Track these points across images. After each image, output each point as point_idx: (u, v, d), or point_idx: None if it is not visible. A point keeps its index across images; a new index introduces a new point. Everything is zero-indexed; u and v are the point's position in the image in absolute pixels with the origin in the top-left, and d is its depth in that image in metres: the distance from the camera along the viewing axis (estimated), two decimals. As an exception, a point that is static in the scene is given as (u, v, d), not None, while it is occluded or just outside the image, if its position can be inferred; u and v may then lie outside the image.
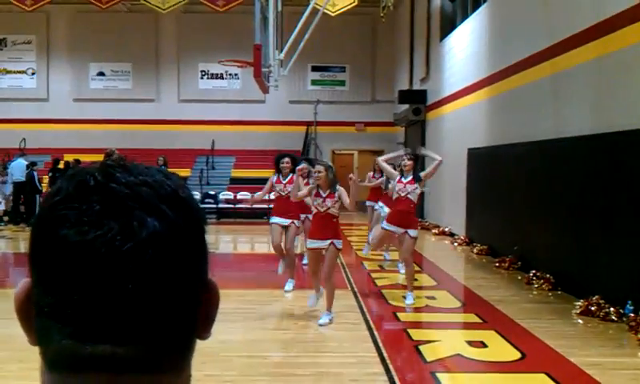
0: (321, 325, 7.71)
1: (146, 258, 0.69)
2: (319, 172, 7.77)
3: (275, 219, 9.81)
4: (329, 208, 7.79)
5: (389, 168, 9.56)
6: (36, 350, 0.74)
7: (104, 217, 0.69)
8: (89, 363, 0.69)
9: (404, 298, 9.04)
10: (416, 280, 10.12)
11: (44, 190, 18.82)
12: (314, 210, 7.90)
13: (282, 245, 9.81)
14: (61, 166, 19.28)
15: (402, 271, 10.42)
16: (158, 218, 0.71)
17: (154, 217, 0.71)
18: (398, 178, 9.13)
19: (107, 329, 0.69)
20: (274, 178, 9.88)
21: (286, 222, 9.73)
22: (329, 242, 7.77)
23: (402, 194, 8.99)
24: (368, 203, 14.03)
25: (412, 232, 9.00)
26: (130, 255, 0.68)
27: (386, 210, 10.39)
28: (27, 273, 0.75)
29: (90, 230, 0.69)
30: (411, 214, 9.10)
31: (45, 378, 0.73)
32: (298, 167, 8.73)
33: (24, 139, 23.64)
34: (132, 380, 0.70)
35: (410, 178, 9.04)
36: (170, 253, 0.71)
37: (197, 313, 0.76)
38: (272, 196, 10.42)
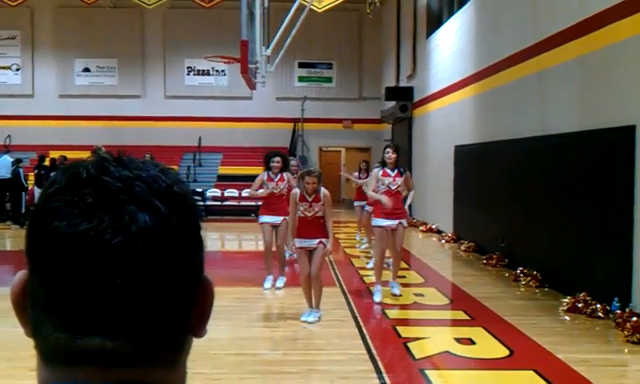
0: (309, 322, 7.71)
1: (135, 252, 0.69)
2: (313, 183, 7.74)
3: (265, 218, 9.80)
4: (316, 212, 7.79)
5: (372, 181, 9.52)
6: (23, 348, 0.74)
7: (95, 210, 0.69)
8: (80, 356, 0.69)
9: (392, 293, 9.09)
10: (403, 277, 10.16)
11: (30, 187, 18.69)
12: (301, 215, 7.85)
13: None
14: (47, 163, 19.14)
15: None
16: (149, 213, 0.71)
17: (146, 211, 0.71)
18: (383, 170, 9.11)
19: (97, 322, 0.69)
20: (265, 176, 9.85)
21: (278, 219, 9.72)
22: (317, 240, 7.77)
23: (393, 188, 9.01)
24: (356, 203, 14.04)
25: (404, 222, 9.20)
26: (119, 249, 0.68)
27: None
28: (24, 265, 0.75)
29: (81, 223, 0.69)
30: (401, 205, 9.19)
31: (40, 370, 0.74)
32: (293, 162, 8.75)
33: (9, 136, 23.50)
34: (122, 373, 0.70)
35: (395, 171, 9.08)
36: (162, 248, 0.71)
37: (190, 309, 0.76)
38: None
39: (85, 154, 16.03)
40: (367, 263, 11.94)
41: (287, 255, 11.02)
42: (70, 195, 0.71)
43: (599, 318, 7.86)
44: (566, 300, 8.41)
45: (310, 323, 7.70)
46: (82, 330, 0.69)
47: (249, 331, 7.49)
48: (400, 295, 9.14)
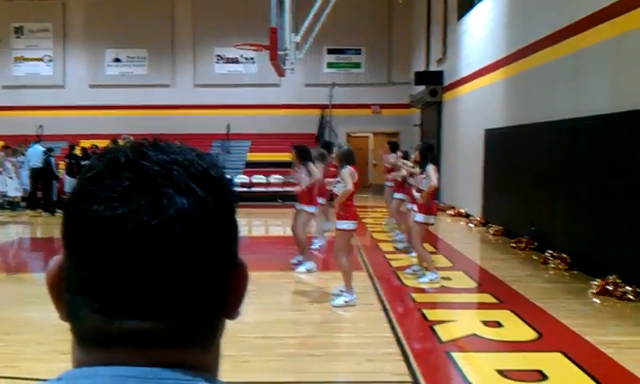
0: (335, 306, 7.75)
1: (172, 234, 0.70)
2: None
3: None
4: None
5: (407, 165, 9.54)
6: (53, 332, 0.74)
7: (133, 193, 0.70)
8: (116, 338, 0.70)
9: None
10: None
11: (61, 176, 18.95)
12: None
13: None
14: (77, 151, 19.38)
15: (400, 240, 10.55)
16: (187, 196, 0.71)
17: (183, 195, 0.71)
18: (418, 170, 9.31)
19: (134, 304, 0.70)
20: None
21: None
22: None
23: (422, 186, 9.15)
24: (387, 184, 13.77)
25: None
26: (157, 232, 0.69)
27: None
28: (54, 251, 0.76)
29: (119, 206, 0.70)
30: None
31: (75, 353, 0.75)
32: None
33: (41, 126, 23.86)
34: (159, 354, 0.71)
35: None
36: (198, 231, 0.71)
37: (225, 291, 0.76)
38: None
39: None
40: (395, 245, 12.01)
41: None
42: (108, 179, 0.72)
43: (629, 300, 7.76)
44: (596, 282, 8.31)
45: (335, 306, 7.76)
46: (119, 312, 0.70)
47: (276, 314, 7.52)
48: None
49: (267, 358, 6.05)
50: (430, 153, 9.41)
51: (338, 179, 7.97)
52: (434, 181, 8.96)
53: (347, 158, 7.92)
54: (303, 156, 9.94)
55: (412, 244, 9.69)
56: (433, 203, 9.40)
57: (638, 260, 8.07)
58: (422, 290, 8.71)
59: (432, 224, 9.47)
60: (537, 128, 11.87)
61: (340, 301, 7.79)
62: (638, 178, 8.18)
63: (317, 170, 9.88)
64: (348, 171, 7.78)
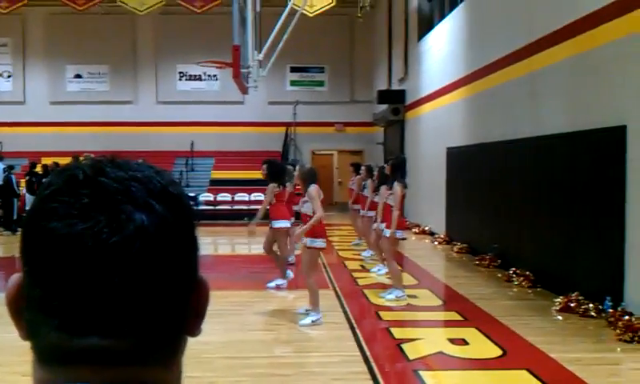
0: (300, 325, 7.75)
1: (132, 251, 0.69)
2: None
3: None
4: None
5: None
6: (15, 354, 0.73)
7: (92, 210, 0.70)
8: (76, 356, 0.69)
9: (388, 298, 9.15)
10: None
11: (21, 193, 18.62)
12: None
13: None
14: (38, 169, 19.08)
15: (383, 271, 10.55)
16: (146, 213, 0.71)
17: (142, 211, 0.71)
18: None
19: (94, 321, 0.69)
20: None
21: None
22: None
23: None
24: (355, 207, 13.93)
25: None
26: (116, 248, 0.69)
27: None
28: (15, 270, 0.75)
29: (78, 223, 0.69)
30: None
31: (36, 372, 0.74)
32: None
33: (0, 143, 23.40)
34: (119, 373, 0.70)
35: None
36: (158, 247, 0.71)
37: (186, 308, 0.76)
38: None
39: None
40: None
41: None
42: (66, 196, 0.71)
43: (592, 317, 7.88)
44: (559, 300, 8.44)
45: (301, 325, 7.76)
46: (79, 330, 0.69)
47: (241, 334, 7.47)
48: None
49: (234, 378, 6.01)
50: (400, 169, 9.45)
51: (305, 199, 7.98)
52: (397, 201, 9.04)
53: (311, 178, 7.98)
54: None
55: (385, 259, 9.70)
56: (402, 218, 9.46)
57: (599, 277, 8.23)
58: (389, 308, 8.73)
59: (403, 239, 9.50)
60: (497, 146, 12.05)
61: (307, 320, 7.78)
62: (597, 195, 8.35)
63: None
64: (315, 189, 7.81)
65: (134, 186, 0.72)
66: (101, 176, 0.72)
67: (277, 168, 10.29)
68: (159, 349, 0.73)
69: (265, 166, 10.41)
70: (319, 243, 7.84)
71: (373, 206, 11.77)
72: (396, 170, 9.38)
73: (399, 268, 9.61)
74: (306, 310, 8.00)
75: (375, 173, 11.87)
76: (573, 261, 8.94)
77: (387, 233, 9.21)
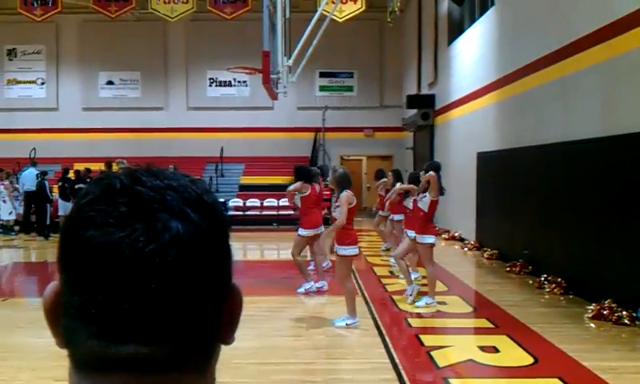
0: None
1: (168, 259, 0.70)
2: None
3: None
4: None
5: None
6: (48, 358, 0.74)
7: (129, 218, 0.71)
8: (114, 363, 0.70)
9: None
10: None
11: (54, 199, 18.89)
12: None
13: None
14: (71, 175, 19.33)
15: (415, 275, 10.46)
16: (181, 221, 0.72)
17: (178, 220, 0.72)
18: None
19: (131, 329, 0.70)
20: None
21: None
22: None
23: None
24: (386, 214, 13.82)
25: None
26: (153, 256, 0.70)
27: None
28: (48, 275, 0.76)
29: (115, 232, 0.70)
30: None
31: (72, 378, 0.75)
32: None
33: (34, 149, 23.78)
34: (156, 380, 0.72)
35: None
36: (194, 255, 0.72)
37: (220, 315, 0.77)
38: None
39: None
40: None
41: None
42: (103, 205, 0.72)
43: (625, 325, 7.76)
44: (591, 307, 8.32)
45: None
46: (116, 337, 0.70)
47: (272, 340, 7.49)
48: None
49: (264, 384, 6.02)
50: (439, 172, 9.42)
51: (337, 204, 8.00)
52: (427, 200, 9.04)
53: (344, 182, 7.95)
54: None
55: (424, 266, 9.61)
56: (431, 224, 9.37)
57: (632, 284, 8.10)
58: (419, 315, 8.70)
59: (433, 245, 9.39)
60: (529, 151, 11.93)
61: (342, 322, 7.81)
62: (631, 201, 8.22)
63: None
64: (345, 197, 7.80)
65: (170, 195, 0.73)
66: (137, 185, 0.74)
67: (303, 170, 10.45)
68: (195, 356, 0.74)
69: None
70: (350, 251, 7.84)
71: (399, 210, 11.77)
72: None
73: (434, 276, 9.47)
74: (347, 324, 7.96)
75: (406, 178, 11.82)
76: (605, 267, 8.81)
77: (425, 239, 9.13)
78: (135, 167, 0.78)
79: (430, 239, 9.17)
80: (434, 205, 9.17)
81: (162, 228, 0.71)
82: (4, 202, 19.27)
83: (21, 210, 19.34)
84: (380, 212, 14.47)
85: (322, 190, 11.18)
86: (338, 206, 7.95)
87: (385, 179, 14.13)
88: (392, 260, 12.61)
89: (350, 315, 7.87)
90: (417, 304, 9.02)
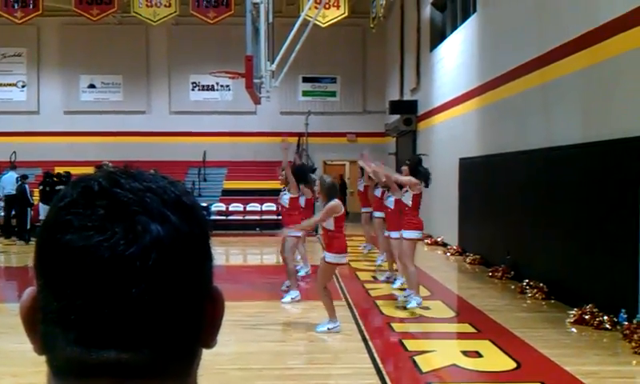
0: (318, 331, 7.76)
1: (149, 262, 0.69)
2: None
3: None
4: None
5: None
6: (29, 364, 0.73)
7: (108, 222, 0.69)
8: (94, 369, 0.69)
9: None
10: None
11: (35, 202, 18.73)
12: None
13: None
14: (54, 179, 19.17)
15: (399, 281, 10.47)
16: (161, 224, 0.71)
17: (158, 222, 0.71)
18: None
19: (112, 334, 0.69)
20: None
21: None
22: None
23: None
24: (363, 210, 13.97)
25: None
26: (133, 260, 0.68)
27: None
28: (29, 280, 0.75)
29: (94, 235, 0.69)
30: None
31: None
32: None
33: (14, 152, 23.56)
34: None
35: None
36: (174, 258, 0.71)
37: (201, 319, 0.76)
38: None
39: (90, 170, 16.08)
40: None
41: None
42: (81, 208, 0.71)
43: (606, 329, 7.82)
44: (573, 312, 8.38)
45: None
46: (97, 343, 0.68)
47: (254, 346, 7.46)
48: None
49: (247, 390, 6.00)
50: (420, 166, 9.45)
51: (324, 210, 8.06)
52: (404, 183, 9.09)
53: (332, 192, 8.00)
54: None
55: (402, 263, 9.62)
56: (419, 218, 9.40)
57: (613, 289, 8.17)
58: (401, 320, 8.71)
59: (420, 239, 9.43)
60: (511, 157, 12.01)
61: (324, 327, 7.82)
62: (611, 206, 8.30)
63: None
64: (334, 205, 7.84)
65: (149, 197, 0.72)
66: (115, 187, 0.72)
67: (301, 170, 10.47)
68: (176, 361, 0.73)
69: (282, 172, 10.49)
70: (338, 258, 7.87)
71: (380, 207, 11.83)
72: (416, 169, 9.38)
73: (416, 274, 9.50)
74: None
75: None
76: (587, 273, 8.88)
77: (408, 234, 9.18)
78: (113, 169, 0.76)
79: (415, 234, 9.21)
80: (417, 198, 9.20)
81: (141, 231, 0.69)
82: None
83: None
84: (362, 209, 14.59)
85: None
86: (324, 210, 8.03)
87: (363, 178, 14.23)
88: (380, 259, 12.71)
89: (331, 319, 7.87)
90: (408, 306, 9.02)
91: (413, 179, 9.17)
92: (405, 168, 9.63)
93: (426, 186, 9.46)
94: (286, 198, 10.30)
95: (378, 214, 12.49)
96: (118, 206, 0.71)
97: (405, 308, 9.16)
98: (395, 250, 10.31)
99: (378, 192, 12.43)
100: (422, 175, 9.36)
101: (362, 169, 14.59)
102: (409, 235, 9.22)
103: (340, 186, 13.32)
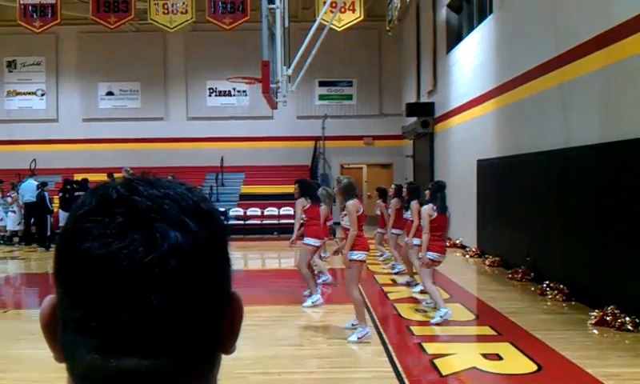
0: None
1: (168, 269, 0.69)
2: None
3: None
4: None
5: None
6: (49, 370, 0.73)
7: (126, 229, 0.70)
8: (114, 377, 0.69)
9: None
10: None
11: (54, 210, 18.90)
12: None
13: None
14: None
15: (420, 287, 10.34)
16: (180, 230, 0.71)
17: (176, 229, 0.71)
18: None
19: (131, 341, 0.69)
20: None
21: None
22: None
23: None
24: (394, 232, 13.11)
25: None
26: (152, 267, 0.69)
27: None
28: (49, 287, 0.75)
29: (113, 243, 0.69)
30: None
31: None
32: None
33: (34, 160, 23.79)
34: None
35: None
36: (193, 264, 0.71)
37: (221, 325, 0.76)
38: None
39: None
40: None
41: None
42: (100, 216, 0.71)
43: (628, 331, 7.74)
44: (594, 313, 8.30)
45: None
46: (117, 351, 0.69)
47: (274, 350, 7.46)
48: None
49: (267, 394, 6.01)
50: (439, 191, 9.17)
51: (344, 213, 8.01)
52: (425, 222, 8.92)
53: (349, 191, 7.95)
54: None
55: (421, 281, 9.53)
56: (437, 241, 9.03)
57: (635, 290, 8.08)
58: (421, 323, 8.67)
59: (439, 262, 9.19)
60: (529, 158, 11.93)
61: (354, 337, 7.66)
62: (632, 207, 8.21)
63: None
64: (352, 205, 7.79)
65: (167, 204, 0.72)
66: (134, 194, 0.73)
67: (306, 184, 10.44)
68: (195, 367, 0.73)
69: (297, 185, 10.50)
70: (359, 255, 7.82)
71: (398, 225, 11.90)
72: (434, 195, 9.19)
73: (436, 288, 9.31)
74: (353, 325, 7.95)
75: (404, 189, 11.78)
76: (608, 274, 8.79)
77: (428, 255, 8.97)
78: (131, 176, 0.77)
79: (432, 255, 8.96)
80: (433, 223, 8.97)
81: (160, 238, 0.70)
82: (13, 212, 19.44)
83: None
84: (379, 229, 14.26)
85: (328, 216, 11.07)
86: (345, 215, 7.98)
87: (379, 201, 13.96)
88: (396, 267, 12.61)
89: (361, 325, 7.80)
90: (432, 322, 8.64)
91: (425, 220, 8.96)
92: (427, 192, 9.43)
93: (441, 211, 9.12)
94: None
95: (394, 231, 12.64)
96: (136, 213, 0.71)
97: (424, 311, 9.10)
98: (414, 259, 10.28)
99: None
100: (439, 200, 9.11)
101: (379, 191, 14.23)
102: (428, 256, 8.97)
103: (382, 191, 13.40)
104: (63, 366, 0.74)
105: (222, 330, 0.76)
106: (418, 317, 8.97)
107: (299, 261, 10.02)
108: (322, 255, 12.55)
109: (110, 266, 0.68)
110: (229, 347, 0.78)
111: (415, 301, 9.92)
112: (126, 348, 0.69)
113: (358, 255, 7.81)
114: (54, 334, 0.74)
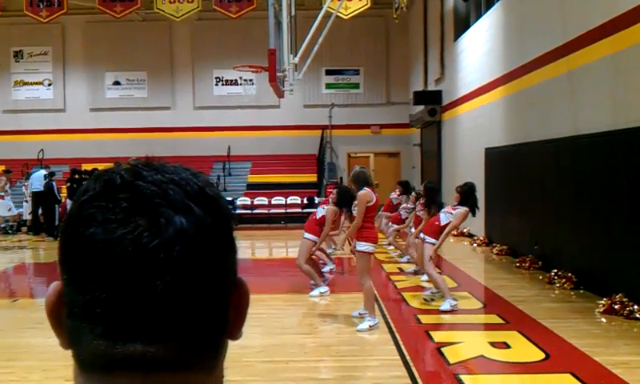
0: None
1: (173, 254, 0.68)
2: None
3: None
4: None
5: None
6: (58, 359, 0.73)
7: (131, 214, 0.69)
8: (120, 362, 0.69)
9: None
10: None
11: (62, 199, 18.98)
12: None
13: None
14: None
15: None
16: (184, 215, 0.70)
17: (181, 214, 0.70)
18: None
19: (137, 327, 0.68)
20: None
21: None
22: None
23: None
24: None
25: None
26: (157, 252, 0.68)
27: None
28: (58, 276, 0.74)
29: (117, 228, 0.68)
30: None
31: (78, 379, 0.73)
32: None
33: (42, 150, 23.86)
34: (163, 378, 0.70)
35: None
36: (198, 250, 0.70)
37: (227, 311, 0.75)
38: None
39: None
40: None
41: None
42: (104, 201, 0.70)
43: (637, 319, 7.71)
44: (602, 302, 8.27)
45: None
46: (122, 337, 0.68)
47: (281, 338, 7.48)
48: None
49: (273, 382, 6.02)
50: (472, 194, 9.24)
51: (356, 202, 8.01)
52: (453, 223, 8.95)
53: (360, 181, 7.91)
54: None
55: (424, 270, 9.52)
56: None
57: (643, 278, 8.04)
58: (428, 312, 8.66)
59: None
60: (537, 146, 11.88)
61: (365, 325, 7.66)
62: (642, 195, 8.17)
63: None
64: (363, 195, 7.75)
65: (172, 189, 0.72)
66: (138, 180, 0.72)
67: (347, 197, 9.52)
68: (202, 353, 0.73)
69: (335, 192, 10.27)
70: (367, 247, 7.77)
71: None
72: (467, 196, 9.18)
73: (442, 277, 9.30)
74: (360, 314, 7.95)
75: (421, 190, 11.60)
76: (616, 262, 8.76)
77: (431, 240, 8.97)
78: (135, 162, 0.76)
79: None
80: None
81: (165, 223, 0.69)
82: (26, 202, 19.65)
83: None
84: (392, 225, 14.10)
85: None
86: (356, 205, 7.97)
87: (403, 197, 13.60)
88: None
89: (370, 315, 7.79)
90: (441, 308, 8.63)
91: (457, 221, 9.01)
92: (456, 195, 9.39)
93: (473, 214, 9.26)
94: (320, 211, 10.25)
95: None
96: (140, 198, 0.70)
97: (431, 300, 9.09)
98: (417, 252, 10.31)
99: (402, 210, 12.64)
100: (473, 204, 9.13)
101: (402, 184, 14.04)
102: (432, 241, 8.99)
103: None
104: (71, 354, 0.73)
105: (228, 315, 0.75)
106: (426, 305, 8.95)
107: (298, 257, 10.00)
108: (329, 250, 12.52)
109: (114, 251, 0.68)
110: (235, 333, 0.78)
111: (423, 289, 9.90)
112: (131, 334, 0.68)
113: (365, 247, 7.77)
114: (59, 321, 0.74)
